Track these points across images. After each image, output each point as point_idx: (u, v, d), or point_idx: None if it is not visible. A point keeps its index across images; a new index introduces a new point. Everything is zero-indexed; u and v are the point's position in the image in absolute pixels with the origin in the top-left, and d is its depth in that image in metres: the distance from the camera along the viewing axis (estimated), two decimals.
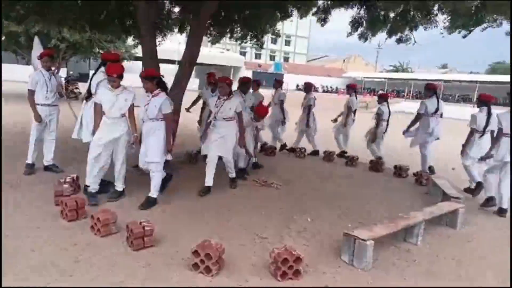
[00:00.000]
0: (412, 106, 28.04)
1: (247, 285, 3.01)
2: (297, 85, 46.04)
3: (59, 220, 3.89)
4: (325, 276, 3.25)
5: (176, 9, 8.38)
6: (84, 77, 30.86)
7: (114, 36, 11.38)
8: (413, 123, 7.22)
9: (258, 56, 61.89)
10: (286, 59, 64.78)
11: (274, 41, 62.81)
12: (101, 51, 19.22)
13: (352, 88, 8.55)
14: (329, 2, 7.72)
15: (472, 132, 6.00)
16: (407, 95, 41.93)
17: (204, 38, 9.04)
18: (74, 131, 5.08)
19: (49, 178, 5.16)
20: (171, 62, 27.39)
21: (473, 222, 4.90)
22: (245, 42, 9.29)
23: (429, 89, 7.31)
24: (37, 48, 5.91)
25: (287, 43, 65.65)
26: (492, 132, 5.74)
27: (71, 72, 21.05)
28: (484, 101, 6.08)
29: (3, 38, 15.74)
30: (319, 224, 4.40)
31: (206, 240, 3.22)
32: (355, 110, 8.44)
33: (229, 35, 8.93)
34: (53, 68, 5.64)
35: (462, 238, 4.36)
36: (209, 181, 5.03)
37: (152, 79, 4.42)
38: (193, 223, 4.16)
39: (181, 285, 2.93)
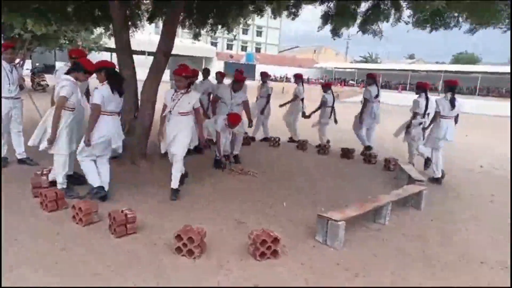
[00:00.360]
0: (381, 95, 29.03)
1: (228, 265, 3.19)
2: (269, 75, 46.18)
3: (39, 212, 3.92)
4: (301, 255, 3.47)
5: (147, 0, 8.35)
6: (50, 69, 29.97)
7: (81, 27, 11.13)
8: (362, 109, 8.03)
9: (229, 46, 61.53)
10: (258, 50, 64.76)
11: (245, 32, 62.73)
12: (67, 42, 18.71)
13: (299, 78, 9.06)
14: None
15: (414, 116, 6.79)
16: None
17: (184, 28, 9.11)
18: (34, 137, 4.47)
19: (24, 171, 5.13)
20: (142, 53, 26.93)
21: (436, 203, 5.27)
22: (216, 32, 9.35)
23: (370, 78, 8.22)
24: None
25: (259, 34, 65.62)
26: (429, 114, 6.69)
27: (37, 64, 20.36)
28: (422, 88, 6.95)
29: None
30: (294, 209, 4.62)
31: (187, 225, 3.37)
32: (303, 98, 8.93)
33: (202, 26, 8.96)
34: (16, 61, 5.58)
35: (426, 217, 4.70)
36: (176, 183, 4.71)
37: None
38: (174, 211, 4.28)
39: (167, 268, 3.07)
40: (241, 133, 6.63)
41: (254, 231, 3.41)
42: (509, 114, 21.24)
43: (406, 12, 7.10)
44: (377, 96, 7.97)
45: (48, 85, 17.61)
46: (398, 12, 7.26)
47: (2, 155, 5.40)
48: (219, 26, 8.94)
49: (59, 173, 4.36)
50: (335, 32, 7.90)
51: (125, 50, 6.07)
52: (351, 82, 46.48)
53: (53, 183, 4.38)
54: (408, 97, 28.09)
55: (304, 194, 5.26)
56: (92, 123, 4.18)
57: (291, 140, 9.05)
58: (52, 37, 16.50)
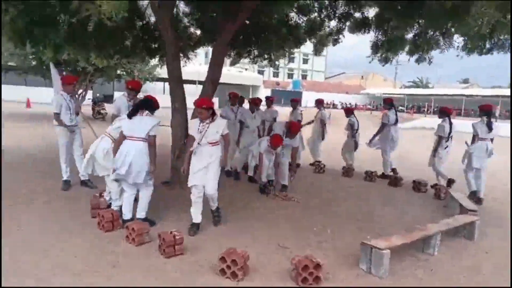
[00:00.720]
0: (432, 122, 27.94)
1: None
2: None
3: (96, 231, 4.21)
4: (344, 283, 3.44)
5: (198, 32, 8.86)
6: (108, 98, 32.12)
7: (138, 59, 11.96)
8: (378, 132, 8.18)
9: (276, 74, 62.60)
10: (304, 77, 65.30)
11: (291, 60, 63.63)
12: (124, 73, 20.07)
13: (320, 103, 9.44)
14: (342, 27, 8.03)
15: (440, 139, 7.16)
16: (427, 110, 41.52)
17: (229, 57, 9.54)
18: (85, 166, 4.80)
19: (84, 193, 5.54)
20: (192, 82, 28.18)
21: (491, 234, 4.98)
22: (258, 62, 9.68)
23: (388, 103, 8.42)
24: (55, 74, 6.55)
25: (305, 61, 66.30)
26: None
27: (97, 94, 21.94)
28: (445, 113, 7.38)
29: (33, 63, 16.70)
30: (339, 236, 4.59)
31: (231, 248, 3.47)
32: (325, 123, 9.19)
33: (246, 56, 9.32)
34: (79, 91, 6.20)
35: (479, 249, 4.46)
36: (198, 217, 4.50)
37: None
38: (219, 234, 4.41)
39: None
40: (285, 161, 6.60)
41: (297, 256, 3.44)
42: None
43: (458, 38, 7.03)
44: (396, 120, 8.18)
45: (107, 113, 18.87)
46: (447, 38, 7.16)
47: (65, 178, 5.90)
48: (263, 57, 9.28)
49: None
50: (385, 60, 7.89)
51: (176, 80, 6.45)
52: (400, 108, 45.25)
53: (110, 205, 4.70)
54: (463, 124, 26.88)
55: (349, 221, 5.20)
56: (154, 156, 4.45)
57: (312, 164, 8.97)
58: (112, 69, 17.77)
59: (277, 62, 9.96)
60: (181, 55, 8.52)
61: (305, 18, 8.20)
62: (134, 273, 3.36)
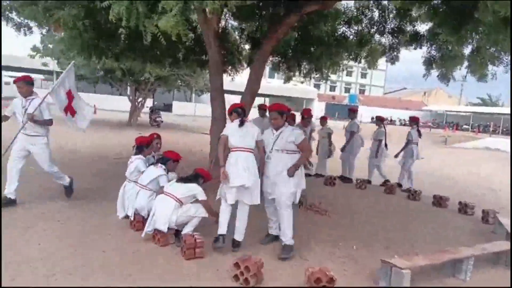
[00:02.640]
0: (497, 142, 25.96)
1: None
2: (372, 118, 45.11)
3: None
4: None
5: (247, 46, 9.13)
6: (168, 107, 33.74)
7: (190, 70, 12.53)
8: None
9: (332, 88, 61.90)
10: (362, 91, 63.88)
11: (349, 74, 62.62)
12: (182, 84, 21.06)
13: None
14: (397, 43, 7.82)
15: (408, 144, 8.34)
16: (494, 130, 38.61)
17: (279, 72, 9.69)
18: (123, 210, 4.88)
19: None
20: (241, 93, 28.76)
21: None
22: (312, 76, 9.70)
23: (413, 121, 8.81)
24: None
25: (363, 75, 64.91)
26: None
27: (155, 103, 23.24)
28: (414, 121, 8.67)
29: (101, 73, 18.10)
30: (364, 253, 4.46)
31: (246, 254, 3.54)
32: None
33: (297, 70, 9.39)
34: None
35: None
36: (240, 236, 4.24)
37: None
38: (243, 240, 4.46)
39: None
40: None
41: (310, 268, 3.42)
42: None
43: None
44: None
45: (162, 121, 19.88)
46: (507, 54, 6.71)
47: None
48: (314, 70, 9.30)
49: None
50: (444, 77, 7.54)
51: (217, 90, 6.71)
52: (465, 126, 42.59)
53: None
54: None
55: (379, 239, 5.02)
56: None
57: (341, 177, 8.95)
58: (171, 79, 18.75)
59: (330, 76, 9.92)
60: (230, 67, 8.88)
61: (353, 31, 8.14)
62: (154, 272, 3.55)
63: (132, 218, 4.61)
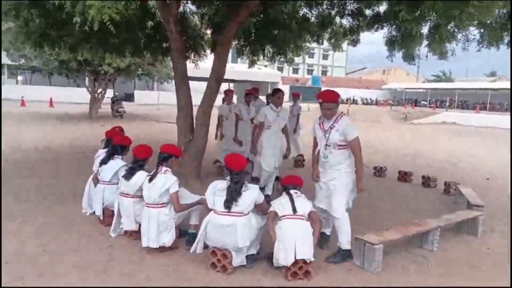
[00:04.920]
0: (453, 116, 27.28)
1: (259, 284, 3.28)
2: None
3: None
4: (335, 277, 3.44)
5: (209, 31, 8.95)
6: (130, 96, 32.74)
7: (153, 59, 12.16)
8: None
9: (295, 70, 62.27)
10: (324, 73, 64.70)
11: (311, 56, 63.12)
12: (143, 73, 20.44)
13: (296, 96, 9.60)
14: (357, 25, 7.90)
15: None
16: (450, 105, 40.43)
17: (243, 56, 9.59)
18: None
19: None
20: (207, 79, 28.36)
21: (499, 230, 4.87)
22: (275, 61, 9.69)
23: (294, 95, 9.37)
24: None
25: (325, 57, 65.63)
26: None
27: (116, 93, 22.45)
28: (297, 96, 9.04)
29: (55, 64, 17.23)
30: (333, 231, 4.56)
31: None
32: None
33: (261, 54, 9.33)
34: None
35: (481, 245, 4.37)
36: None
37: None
38: None
39: (198, 281, 3.25)
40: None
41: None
42: None
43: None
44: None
45: (125, 112, 19.29)
46: (463, 31, 6.94)
47: None
48: (278, 53, 9.28)
49: None
50: (407, 56, 7.70)
51: (181, 78, 6.56)
52: (423, 102, 44.28)
53: None
54: (487, 118, 26.12)
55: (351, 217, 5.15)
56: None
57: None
58: (131, 70, 18.12)
59: (293, 59, 9.94)
60: (193, 54, 8.68)
61: (314, 13, 8.15)
62: (128, 264, 3.48)
63: (101, 215, 4.46)
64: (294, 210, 3.47)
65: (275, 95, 5.80)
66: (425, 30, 7.23)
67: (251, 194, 3.46)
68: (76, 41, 7.51)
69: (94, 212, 4.61)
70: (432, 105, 40.61)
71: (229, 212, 3.39)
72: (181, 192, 3.89)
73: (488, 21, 5.83)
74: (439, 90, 46.55)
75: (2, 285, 3.04)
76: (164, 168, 3.83)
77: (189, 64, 8.58)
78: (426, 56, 7.91)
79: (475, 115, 28.42)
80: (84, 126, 14.62)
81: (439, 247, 4.15)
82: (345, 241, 3.77)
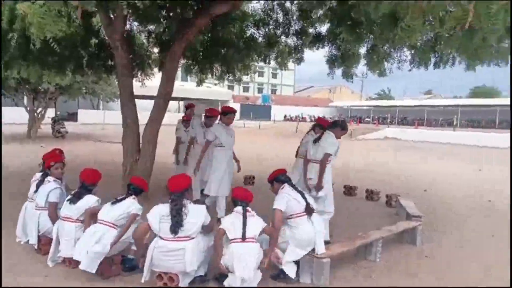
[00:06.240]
0: (394, 131, 28.92)
1: None
2: (285, 116, 47.18)
3: None
4: None
5: (156, 50, 8.87)
6: (72, 116, 31.31)
7: (96, 77, 11.77)
8: None
9: (246, 89, 63.13)
10: (273, 91, 66.18)
11: (261, 74, 64.46)
12: (87, 92, 19.64)
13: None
14: (301, 44, 8.22)
15: None
16: (391, 121, 42.82)
17: (192, 75, 9.55)
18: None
19: None
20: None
21: (435, 239, 5.16)
22: (225, 77, 9.77)
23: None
24: None
25: (274, 75, 67.26)
26: None
27: (58, 112, 21.36)
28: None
29: None
30: None
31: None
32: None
33: (209, 72, 9.35)
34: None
35: (420, 254, 4.61)
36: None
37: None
38: None
39: None
40: None
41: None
42: None
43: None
44: None
45: (67, 132, 18.38)
46: (398, 52, 7.42)
47: None
48: (226, 72, 9.36)
49: None
50: (347, 74, 8.07)
51: (128, 96, 6.41)
52: (366, 119, 46.49)
53: None
54: (425, 133, 27.94)
55: None
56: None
57: None
58: (74, 88, 17.35)
59: (242, 77, 10.07)
60: (139, 72, 8.53)
61: (261, 33, 8.37)
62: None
63: (36, 244, 4.16)
64: (244, 234, 3.39)
65: (227, 115, 5.68)
66: (363, 50, 7.70)
67: (198, 217, 3.38)
68: (12, 58, 7.10)
69: (28, 241, 4.30)
70: (375, 121, 42.74)
71: (176, 237, 3.29)
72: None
73: (418, 44, 6.33)
74: (381, 107, 49.18)
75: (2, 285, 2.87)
76: (133, 196, 3.82)
77: (136, 83, 8.43)
78: (366, 74, 8.44)
79: (414, 130, 30.27)
80: (23, 147, 13.72)
81: (382, 257, 4.32)
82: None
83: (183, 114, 7.81)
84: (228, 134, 5.67)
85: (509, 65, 5.67)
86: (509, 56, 5.86)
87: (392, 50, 7.35)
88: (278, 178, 4.03)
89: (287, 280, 3.66)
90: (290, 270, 3.66)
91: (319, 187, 4.64)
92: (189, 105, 7.48)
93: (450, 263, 4.39)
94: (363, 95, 66.66)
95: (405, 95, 67.76)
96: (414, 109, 45.09)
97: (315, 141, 4.91)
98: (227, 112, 5.72)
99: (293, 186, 3.97)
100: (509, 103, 38.15)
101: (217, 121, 6.08)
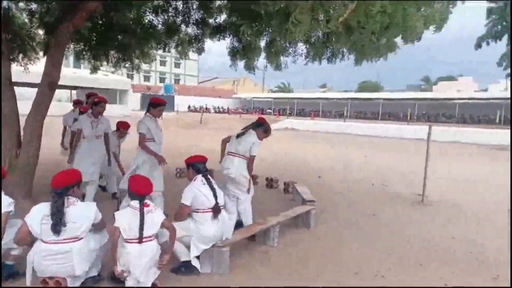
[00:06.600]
0: (295, 123, 30.62)
1: None
2: (189, 106, 46.56)
3: None
4: (181, 284, 3.44)
5: (40, 32, 7.98)
6: None
7: None
8: None
9: (147, 78, 60.59)
10: (177, 81, 64.68)
11: (163, 63, 62.45)
12: None
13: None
14: (202, 34, 8.12)
15: None
16: (290, 113, 45.14)
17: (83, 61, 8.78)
18: None
19: None
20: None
21: (327, 221, 5.61)
22: (120, 67, 9.22)
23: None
24: None
25: (177, 65, 65.68)
26: None
27: None
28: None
29: None
30: None
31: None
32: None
33: (104, 60, 8.72)
34: None
35: (313, 236, 4.96)
36: None
37: None
38: None
39: None
40: None
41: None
42: (401, 136, 23.64)
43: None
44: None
45: None
46: (293, 47, 7.77)
47: None
48: (123, 59, 8.84)
49: None
50: (249, 67, 8.18)
51: (6, 83, 5.66)
52: (268, 110, 48.23)
53: None
54: (320, 124, 30.07)
55: None
56: None
57: None
58: None
59: (140, 66, 9.60)
60: (20, 55, 7.64)
61: (160, 20, 8.07)
62: None
63: None
64: (142, 235, 3.17)
65: (157, 108, 5.30)
66: (263, 43, 7.93)
67: (86, 215, 3.12)
68: None
69: None
70: (276, 113, 44.57)
71: (62, 239, 3.00)
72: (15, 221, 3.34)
73: (312, 39, 6.74)
74: (281, 100, 51.43)
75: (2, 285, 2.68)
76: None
77: (17, 67, 7.54)
78: (266, 67, 8.69)
79: (310, 121, 32.35)
80: None
81: (280, 241, 4.55)
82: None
83: (82, 104, 7.24)
84: (158, 128, 5.34)
85: (387, 61, 6.33)
86: (505, 55, 6.62)
87: (288, 44, 7.72)
88: (195, 165, 3.88)
89: (188, 273, 3.63)
90: (196, 262, 3.66)
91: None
92: (91, 95, 6.95)
93: (338, 242, 4.81)
94: (265, 88, 68.92)
95: (303, 88, 71.86)
96: (310, 101, 48.08)
97: (238, 136, 4.98)
98: (157, 104, 5.34)
99: (207, 180, 3.84)
100: (389, 96, 43.25)
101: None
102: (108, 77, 34.02)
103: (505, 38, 24.34)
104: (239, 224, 4.73)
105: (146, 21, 7.79)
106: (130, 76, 47.17)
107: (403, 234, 5.22)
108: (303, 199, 5.88)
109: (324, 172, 9.99)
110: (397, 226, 5.62)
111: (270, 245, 4.46)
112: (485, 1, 23.86)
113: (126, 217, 3.22)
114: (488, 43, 25.24)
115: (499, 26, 24.69)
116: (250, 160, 4.85)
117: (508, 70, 24.17)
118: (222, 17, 7.87)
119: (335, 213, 6.12)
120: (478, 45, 25.53)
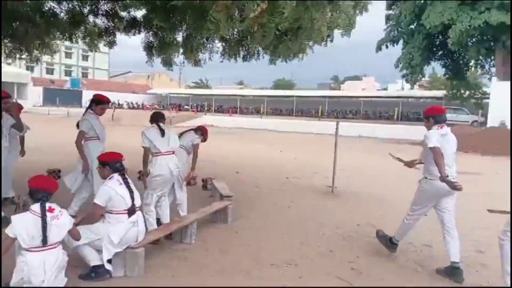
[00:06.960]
0: (212, 119, 30.63)
1: None
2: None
3: None
4: None
5: None
6: None
7: None
8: None
9: (50, 71, 55.57)
10: (85, 75, 60.37)
11: (69, 56, 57.85)
12: None
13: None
14: (113, 27, 7.67)
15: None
16: (208, 109, 44.99)
17: None
18: None
19: None
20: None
21: (243, 215, 5.71)
22: (15, 58, 8.37)
23: None
24: None
25: (85, 58, 61.28)
26: None
27: None
28: None
29: None
30: None
31: None
32: None
33: None
34: None
35: (231, 231, 5.03)
36: None
37: None
38: None
39: None
40: None
41: None
42: (313, 131, 25.06)
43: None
44: None
45: None
46: (211, 43, 7.71)
47: None
48: (19, 50, 8.01)
49: None
50: (166, 62, 7.89)
51: None
52: (185, 107, 47.48)
53: None
54: (238, 120, 30.49)
55: None
56: None
57: None
58: None
59: (39, 57, 8.77)
60: None
61: (64, 9, 7.44)
62: None
63: None
64: (45, 240, 2.89)
65: (100, 105, 5.17)
66: (179, 38, 7.76)
67: None
68: None
69: None
70: (194, 109, 44.08)
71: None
72: None
73: (228, 37, 6.79)
74: (199, 96, 51.00)
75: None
76: None
77: None
78: (184, 63, 8.51)
79: (228, 118, 32.63)
80: None
81: (198, 238, 4.53)
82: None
83: None
84: (101, 126, 5.18)
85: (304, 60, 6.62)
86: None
87: (205, 41, 7.66)
88: (112, 164, 3.62)
89: (99, 278, 3.44)
90: (109, 266, 3.47)
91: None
92: None
93: (255, 235, 4.95)
94: (181, 83, 67.64)
95: (220, 84, 72.01)
96: (228, 98, 48.44)
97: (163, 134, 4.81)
98: (101, 102, 5.18)
99: (124, 179, 3.62)
100: (303, 94, 45.42)
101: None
102: (3, 69, 30.52)
103: (401, 42, 27.11)
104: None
105: (47, 8, 7.15)
106: (30, 69, 42.96)
107: (315, 223, 5.54)
108: (221, 194, 5.92)
109: (242, 168, 10.16)
110: (310, 216, 5.95)
111: (187, 242, 4.41)
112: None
113: (24, 223, 2.90)
114: (387, 47, 27.88)
115: (396, 32, 27.43)
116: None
117: (404, 72, 26.81)
118: (137, 12, 7.52)
119: (252, 207, 6.27)
120: (379, 48, 28.10)
